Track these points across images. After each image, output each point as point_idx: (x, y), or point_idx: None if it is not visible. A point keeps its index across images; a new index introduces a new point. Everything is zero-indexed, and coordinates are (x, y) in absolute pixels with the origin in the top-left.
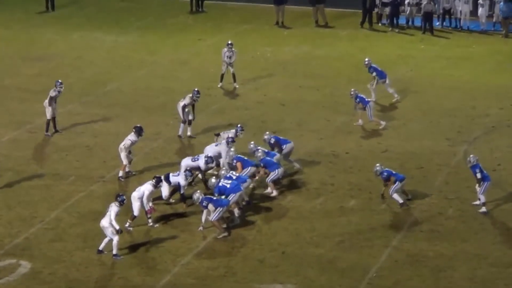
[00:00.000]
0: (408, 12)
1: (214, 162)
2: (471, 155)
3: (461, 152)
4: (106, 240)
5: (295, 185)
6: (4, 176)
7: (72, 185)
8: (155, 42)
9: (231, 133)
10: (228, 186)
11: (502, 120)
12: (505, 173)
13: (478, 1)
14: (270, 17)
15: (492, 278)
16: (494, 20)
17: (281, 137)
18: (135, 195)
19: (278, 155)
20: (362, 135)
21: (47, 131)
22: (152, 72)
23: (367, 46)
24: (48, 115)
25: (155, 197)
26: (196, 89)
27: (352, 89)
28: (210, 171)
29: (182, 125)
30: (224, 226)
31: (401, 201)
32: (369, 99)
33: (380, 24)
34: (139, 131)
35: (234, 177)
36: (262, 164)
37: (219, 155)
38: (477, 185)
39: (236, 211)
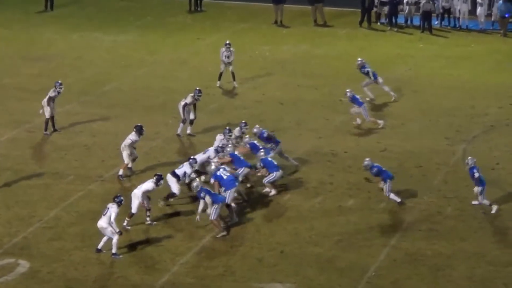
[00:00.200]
0: (406, 11)
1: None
2: (469, 157)
3: (460, 151)
4: (104, 239)
5: (294, 184)
6: (2, 176)
7: (70, 185)
8: (154, 42)
9: (236, 131)
10: (224, 177)
11: (501, 119)
12: (503, 172)
13: (477, 0)
14: (268, 16)
15: (490, 277)
16: (492, 19)
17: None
18: (136, 192)
19: (272, 154)
20: (361, 134)
21: (45, 130)
22: (151, 71)
23: (366, 45)
24: (47, 114)
25: (167, 196)
26: (197, 88)
27: (348, 90)
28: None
29: (181, 124)
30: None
31: (398, 200)
32: (362, 101)
33: (379, 23)
34: (139, 130)
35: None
36: (262, 164)
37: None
38: (475, 187)
39: (233, 206)
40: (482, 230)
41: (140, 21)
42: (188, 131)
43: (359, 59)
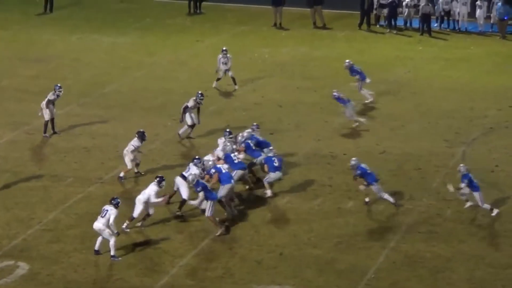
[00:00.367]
0: (406, 13)
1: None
2: (460, 165)
3: (459, 154)
4: (100, 239)
5: (293, 186)
6: (2, 177)
7: (70, 187)
8: (153, 43)
9: (246, 132)
10: (223, 171)
11: (500, 121)
12: (503, 175)
13: (476, 3)
14: (268, 19)
15: (490, 279)
16: (491, 21)
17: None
18: (140, 198)
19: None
20: (360, 136)
21: (45, 132)
22: (150, 73)
23: (365, 47)
24: (46, 116)
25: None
26: (200, 92)
27: (334, 90)
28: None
29: (185, 126)
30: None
31: (392, 200)
32: (347, 99)
33: (378, 26)
34: (142, 136)
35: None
36: (263, 161)
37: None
38: (458, 188)
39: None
40: (481, 232)
41: (139, 23)
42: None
43: (347, 60)
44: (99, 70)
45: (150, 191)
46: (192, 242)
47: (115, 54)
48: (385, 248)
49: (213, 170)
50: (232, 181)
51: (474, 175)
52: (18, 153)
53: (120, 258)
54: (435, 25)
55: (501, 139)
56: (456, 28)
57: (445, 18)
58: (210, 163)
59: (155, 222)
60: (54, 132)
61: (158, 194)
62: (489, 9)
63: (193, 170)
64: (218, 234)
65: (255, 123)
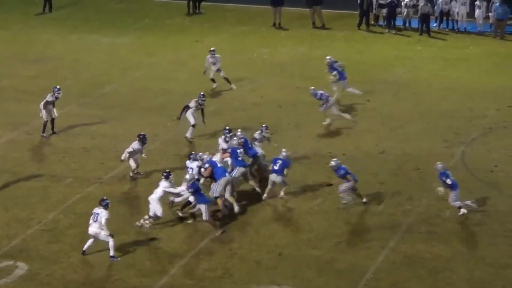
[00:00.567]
0: (405, 13)
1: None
2: (437, 163)
3: (459, 154)
4: (90, 241)
5: (293, 186)
6: (1, 178)
7: (69, 187)
8: (153, 44)
9: (257, 134)
10: (219, 165)
11: (499, 122)
12: (502, 175)
13: (475, 3)
14: (267, 19)
15: (490, 279)
16: (490, 21)
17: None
18: (154, 197)
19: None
20: (359, 136)
21: (43, 132)
22: (150, 73)
23: (364, 47)
24: (44, 117)
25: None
26: (201, 93)
27: (311, 87)
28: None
29: (190, 128)
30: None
31: (344, 201)
32: (327, 94)
33: (377, 26)
34: (142, 140)
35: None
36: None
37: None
38: (450, 192)
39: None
40: (481, 233)
41: (138, 23)
42: (188, 134)
43: (328, 57)
44: (98, 70)
45: (162, 188)
46: (191, 242)
47: (114, 54)
48: (384, 248)
49: (207, 165)
50: (227, 174)
51: (474, 174)
52: (17, 153)
53: (119, 259)
54: (434, 25)
55: (500, 139)
56: (455, 28)
57: (444, 18)
58: (205, 157)
59: (156, 223)
60: (54, 132)
61: (173, 186)
62: (488, 9)
63: (192, 165)
64: (217, 234)
65: (264, 125)
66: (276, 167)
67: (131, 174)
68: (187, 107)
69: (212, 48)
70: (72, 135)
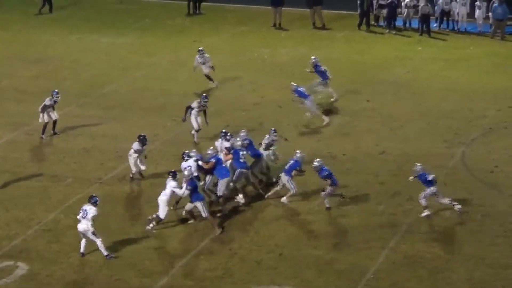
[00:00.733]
0: (405, 14)
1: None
2: (416, 164)
3: (459, 154)
4: (83, 242)
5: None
6: (1, 178)
7: (69, 187)
8: (153, 44)
9: (266, 138)
10: (223, 164)
11: (499, 122)
12: (502, 175)
13: (475, 3)
14: (267, 19)
15: (490, 280)
16: (490, 22)
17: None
18: (163, 199)
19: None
20: (359, 136)
21: (42, 133)
22: (150, 73)
23: (364, 48)
24: (45, 119)
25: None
26: (204, 94)
27: (292, 84)
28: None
29: (195, 133)
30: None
31: (328, 205)
32: (307, 93)
33: (377, 26)
34: (143, 141)
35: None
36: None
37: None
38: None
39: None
40: (481, 233)
41: (138, 23)
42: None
43: (313, 57)
44: (98, 71)
45: (170, 188)
46: (192, 242)
47: (114, 54)
48: (384, 248)
49: (213, 160)
50: (229, 175)
51: (474, 175)
52: (17, 154)
53: (114, 254)
54: (435, 25)
55: (500, 140)
56: (456, 28)
57: (445, 18)
58: (210, 152)
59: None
60: (54, 133)
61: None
62: (488, 10)
63: (188, 163)
64: (217, 233)
65: (272, 128)
66: (286, 167)
67: (131, 175)
68: (189, 108)
69: (200, 48)
70: (72, 136)
